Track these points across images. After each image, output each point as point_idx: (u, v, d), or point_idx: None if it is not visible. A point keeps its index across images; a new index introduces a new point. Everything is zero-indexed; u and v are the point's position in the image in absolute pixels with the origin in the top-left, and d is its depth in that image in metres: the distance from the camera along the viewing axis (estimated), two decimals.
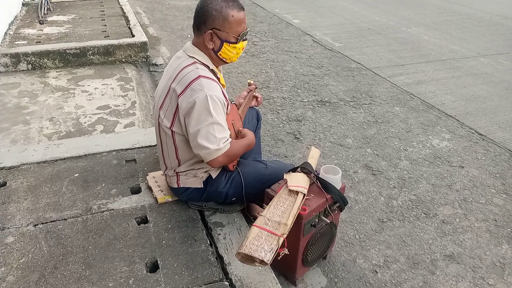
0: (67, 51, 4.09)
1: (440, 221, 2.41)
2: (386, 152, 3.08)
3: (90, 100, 3.45)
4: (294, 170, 1.87)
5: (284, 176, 1.81)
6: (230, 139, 1.81)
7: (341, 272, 2.05)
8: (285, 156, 2.98)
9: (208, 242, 1.87)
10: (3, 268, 1.69)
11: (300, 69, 4.55)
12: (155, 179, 2.21)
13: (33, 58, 3.99)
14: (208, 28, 1.79)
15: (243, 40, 1.86)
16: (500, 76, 4.56)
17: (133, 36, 4.61)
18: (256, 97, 2.28)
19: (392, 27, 6.33)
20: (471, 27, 6.46)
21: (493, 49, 5.46)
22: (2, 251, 1.77)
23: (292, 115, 3.56)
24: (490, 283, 2.02)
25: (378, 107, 3.74)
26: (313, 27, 6.18)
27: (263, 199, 1.86)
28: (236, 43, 1.82)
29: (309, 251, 1.83)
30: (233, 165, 2.01)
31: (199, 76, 1.76)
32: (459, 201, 2.59)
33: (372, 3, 7.95)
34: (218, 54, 1.85)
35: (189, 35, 5.56)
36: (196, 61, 1.84)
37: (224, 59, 1.88)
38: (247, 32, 1.86)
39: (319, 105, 3.75)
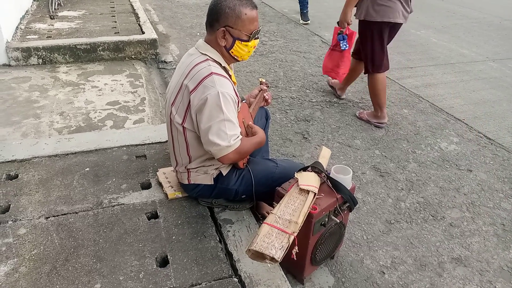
0: (78, 47, 4.11)
1: (448, 224, 2.41)
2: (394, 154, 3.08)
3: (100, 95, 3.47)
4: (304, 169, 1.88)
5: (295, 175, 1.82)
6: (240, 136, 1.83)
7: (349, 272, 2.06)
8: (293, 156, 2.99)
9: (218, 239, 1.89)
10: (15, 259, 1.71)
11: (308, 69, 4.55)
12: (165, 175, 2.23)
13: (43, 53, 4.02)
14: (221, 25, 1.80)
15: (255, 39, 1.88)
16: (509, 80, 4.55)
17: (143, 33, 4.63)
18: (266, 99, 2.28)
19: (401, 29, 6.26)
20: (480, 31, 6.44)
21: (502, 53, 5.44)
22: (15, 242, 1.79)
23: (301, 115, 3.57)
24: (497, 287, 2.03)
25: (386, 109, 3.73)
26: (322, 28, 6.17)
27: (273, 197, 1.87)
28: (248, 41, 1.84)
29: (317, 250, 1.84)
30: (244, 163, 2.03)
31: (211, 73, 1.78)
32: (467, 204, 2.59)
33: None
34: (230, 51, 1.86)
35: (198, 33, 5.58)
36: (209, 58, 1.85)
37: (235, 57, 1.90)
38: (259, 30, 1.88)
39: (328, 106, 3.76)
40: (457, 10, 7.81)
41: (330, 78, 3.90)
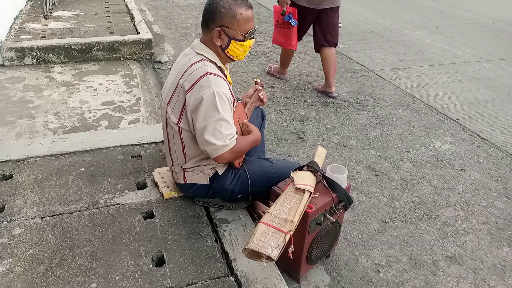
0: (72, 47, 4.10)
1: (442, 223, 2.43)
2: (389, 153, 3.10)
3: (94, 95, 3.46)
4: (300, 168, 1.88)
5: (291, 174, 1.83)
6: (236, 136, 1.83)
7: (344, 271, 2.07)
8: (289, 156, 3.00)
9: (214, 238, 1.89)
10: (11, 259, 1.70)
11: (304, 70, 4.57)
12: (161, 174, 2.23)
13: (38, 53, 4.00)
14: (217, 25, 1.81)
15: (251, 38, 1.89)
16: (502, 81, 4.59)
17: (138, 33, 4.62)
18: (261, 99, 2.29)
19: (395, 30, 6.35)
20: (474, 32, 6.49)
21: (495, 54, 5.49)
22: (10, 242, 1.79)
23: (296, 115, 3.58)
24: (491, 284, 2.04)
25: (381, 109, 3.77)
26: None
27: (269, 196, 1.88)
28: (243, 41, 1.84)
29: (313, 249, 1.85)
30: (239, 163, 2.03)
31: (207, 73, 1.78)
32: (461, 203, 2.61)
33: (376, 5, 7.98)
34: (225, 51, 1.87)
35: (193, 34, 5.58)
36: (204, 58, 1.86)
37: (231, 57, 1.90)
38: (255, 30, 1.88)
39: (323, 106, 3.77)
40: (450, 11, 7.87)
41: (316, 85, 4.18)
